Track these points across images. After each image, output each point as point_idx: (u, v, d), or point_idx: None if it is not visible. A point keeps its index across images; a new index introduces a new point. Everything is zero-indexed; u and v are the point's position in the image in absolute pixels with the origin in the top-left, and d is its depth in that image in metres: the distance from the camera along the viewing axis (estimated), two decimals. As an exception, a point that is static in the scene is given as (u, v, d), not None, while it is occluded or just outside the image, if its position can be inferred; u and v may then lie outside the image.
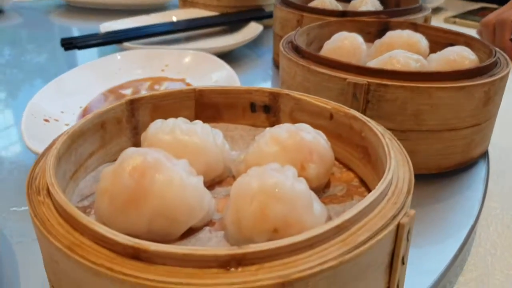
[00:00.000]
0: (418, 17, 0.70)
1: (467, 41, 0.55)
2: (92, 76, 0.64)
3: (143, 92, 0.47)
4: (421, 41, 0.54)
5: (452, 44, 0.53)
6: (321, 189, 0.32)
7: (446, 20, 1.17)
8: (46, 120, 0.51)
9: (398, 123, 0.44)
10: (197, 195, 0.26)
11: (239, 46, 0.82)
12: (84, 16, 1.12)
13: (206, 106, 0.39)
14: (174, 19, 0.96)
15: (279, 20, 0.74)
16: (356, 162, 0.34)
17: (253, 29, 0.88)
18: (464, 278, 0.40)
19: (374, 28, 0.61)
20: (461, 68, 0.47)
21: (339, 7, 0.78)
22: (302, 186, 0.26)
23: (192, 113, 0.39)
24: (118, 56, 0.70)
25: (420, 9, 0.73)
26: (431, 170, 0.47)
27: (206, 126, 0.33)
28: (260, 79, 0.78)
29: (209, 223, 0.28)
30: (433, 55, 0.52)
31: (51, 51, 0.90)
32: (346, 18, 0.63)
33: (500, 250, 0.44)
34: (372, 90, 0.42)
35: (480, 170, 0.50)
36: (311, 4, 0.76)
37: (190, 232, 0.27)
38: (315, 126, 0.33)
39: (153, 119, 0.34)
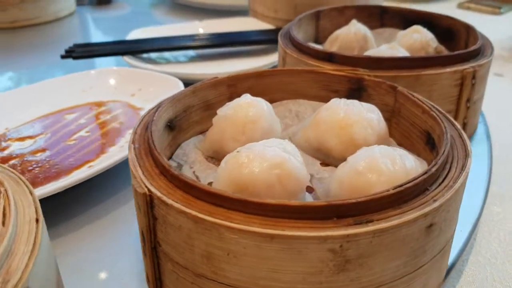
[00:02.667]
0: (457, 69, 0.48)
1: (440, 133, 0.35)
2: (45, 93, 0.62)
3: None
4: (360, 131, 0.37)
5: (429, 134, 0.37)
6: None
7: (460, 6, 1.14)
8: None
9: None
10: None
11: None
12: (185, 14, 1.13)
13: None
14: (201, 31, 0.87)
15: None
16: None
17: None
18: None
19: (343, 86, 0.44)
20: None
21: (370, 40, 0.61)
22: None
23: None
24: (93, 72, 0.67)
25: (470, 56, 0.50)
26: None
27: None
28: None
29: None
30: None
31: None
32: (312, 69, 0.46)
33: (501, 259, 0.41)
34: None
35: (481, 172, 0.49)
36: (338, 31, 0.61)
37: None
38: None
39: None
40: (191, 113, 0.42)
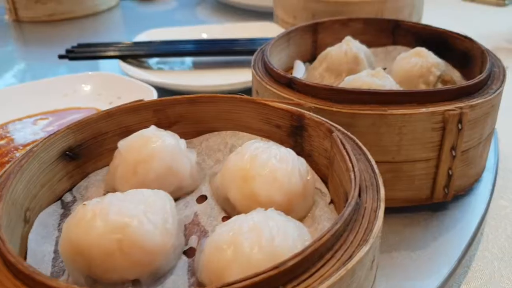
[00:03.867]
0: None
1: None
2: (29, 95, 0.61)
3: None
4: (263, 187, 0.30)
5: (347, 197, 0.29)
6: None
7: None
8: None
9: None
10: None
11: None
12: (227, 14, 1.10)
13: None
14: (205, 36, 0.83)
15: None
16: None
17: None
18: (468, 287, 0.38)
19: (286, 122, 0.37)
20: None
21: (362, 62, 0.52)
22: None
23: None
24: (79, 76, 0.65)
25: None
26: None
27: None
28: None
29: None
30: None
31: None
32: (252, 99, 0.39)
33: (508, 254, 0.40)
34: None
35: (487, 165, 0.47)
36: (330, 49, 0.53)
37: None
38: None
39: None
40: (104, 140, 0.38)
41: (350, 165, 0.29)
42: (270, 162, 0.31)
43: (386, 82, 0.43)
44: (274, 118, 0.38)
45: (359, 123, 0.39)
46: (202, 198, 0.35)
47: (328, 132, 0.34)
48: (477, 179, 0.45)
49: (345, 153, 0.31)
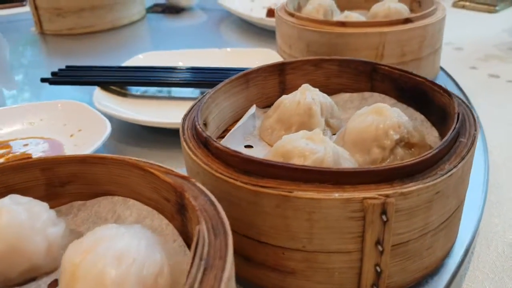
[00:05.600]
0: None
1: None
2: None
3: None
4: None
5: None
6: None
7: (455, 4, 1.11)
8: None
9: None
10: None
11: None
12: (252, 36, 1.03)
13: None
14: (196, 62, 0.75)
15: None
16: None
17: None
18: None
19: (172, 196, 0.33)
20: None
21: (316, 116, 0.45)
22: None
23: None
24: (51, 103, 0.63)
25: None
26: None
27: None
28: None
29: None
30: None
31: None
32: (138, 164, 0.34)
33: (499, 274, 0.40)
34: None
35: (478, 181, 0.47)
36: (285, 96, 0.47)
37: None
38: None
39: None
40: (-20, 201, 0.34)
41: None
42: (102, 260, 0.26)
43: (320, 148, 0.36)
44: (162, 190, 0.33)
45: (263, 202, 0.32)
46: (56, 283, 0.31)
47: (196, 221, 0.28)
48: (431, 270, 0.37)
49: (191, 256, 0.25)
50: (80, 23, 1.05)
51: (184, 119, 0.41)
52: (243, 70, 0.65)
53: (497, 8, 1.08)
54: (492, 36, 0.93)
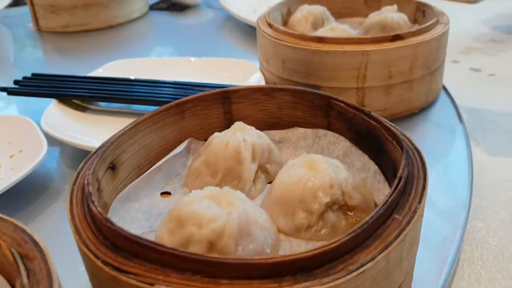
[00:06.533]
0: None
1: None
2: None
3: None
4: None
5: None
6: None
7: None
8: None
9: None
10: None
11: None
12: (250, 36, 0.95)
13: None
14: (154, 73, 0.69)
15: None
16: None
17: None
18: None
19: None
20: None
21: (245, 162, 0.37)
22: None
23: None
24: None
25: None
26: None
27: None
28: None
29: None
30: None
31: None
32: None
33: (485, 284, 0.39)
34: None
35: (462, 182, 0.47)
36: (218, 134, 0.40)
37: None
38: None
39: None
40: None
41: None
42: None
43: (223, 214, 0.30)
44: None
45: None
46: None
47: None
48: None
49: None
50: (73, 21, 1.01)
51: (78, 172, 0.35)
52: (216, 86, 0.60)
53: None
54: (472, 28, 0.94)
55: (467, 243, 0.43)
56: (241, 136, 0.38)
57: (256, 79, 0.64)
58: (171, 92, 0.62)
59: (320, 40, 0.56)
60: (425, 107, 0.62)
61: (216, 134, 0.40)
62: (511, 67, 0.80)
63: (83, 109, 0.63)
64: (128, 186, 0.37)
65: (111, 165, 0.37)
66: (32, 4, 1.02)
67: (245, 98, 0.45)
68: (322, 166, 0.33)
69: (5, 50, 1.03)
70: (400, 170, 0.31)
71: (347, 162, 0.40)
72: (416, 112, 0.61)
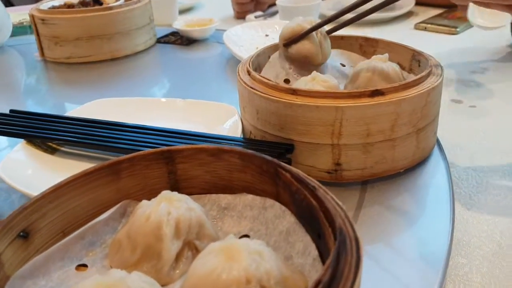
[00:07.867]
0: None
1: None
2: None
3: None
4: None
5: None
6: None
7: (417, 27, 1.12)
8: None
9: None
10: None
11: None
12: None
13: None
14: (134, 114, 0.67)
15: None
16: None
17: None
18: None
19: None
20: None
21: (165, 238, 0.33)
22: None
23: None
24: None
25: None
26: None
27: None
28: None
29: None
30: None
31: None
32: None
33: None
34: None
35: (444, 217, 0.47)
36: (146, 203, 0.37)
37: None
38: None
39: None
40: None
41: None
42: None
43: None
44: None
45: None
46: None
47: None
48: None
49: None
50: (76, 53, 1.01)
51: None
52: (196, 135, 0.57)
53: (458, 29, 1.10)
54: (453, 59, 0.94)
55: (449, 280, 0.42)
56: (165, 209, 0.34)
57: (228, 125, 0.61)
58: (142, 139, 0.59)
59: (294, 92, 0.52)
60: (413, 166, 0.56)
61: (144, 202, 0.36)
62: (492, 98, 0.79)
63: (52, 151, 0.61)
64: (36, 257, 0.34)
65: (21, 233, 0.34)
66: (38, 35, 1.02)
67: (190, 158, 0.41)
68: (241, 255, 0.29)
69: (11, 77, 1.05)
70: (323, 271, 0.26)
71: (289, 242, 0.35)
72: (402, 172, 0.55)
